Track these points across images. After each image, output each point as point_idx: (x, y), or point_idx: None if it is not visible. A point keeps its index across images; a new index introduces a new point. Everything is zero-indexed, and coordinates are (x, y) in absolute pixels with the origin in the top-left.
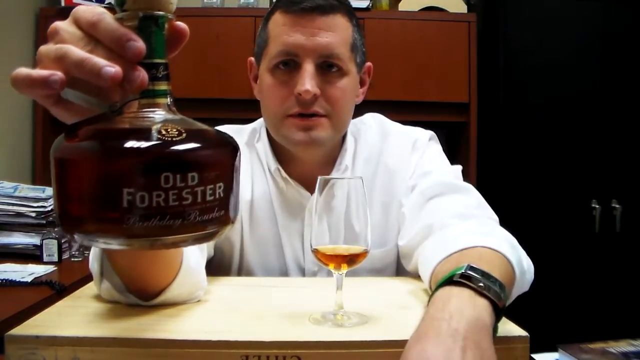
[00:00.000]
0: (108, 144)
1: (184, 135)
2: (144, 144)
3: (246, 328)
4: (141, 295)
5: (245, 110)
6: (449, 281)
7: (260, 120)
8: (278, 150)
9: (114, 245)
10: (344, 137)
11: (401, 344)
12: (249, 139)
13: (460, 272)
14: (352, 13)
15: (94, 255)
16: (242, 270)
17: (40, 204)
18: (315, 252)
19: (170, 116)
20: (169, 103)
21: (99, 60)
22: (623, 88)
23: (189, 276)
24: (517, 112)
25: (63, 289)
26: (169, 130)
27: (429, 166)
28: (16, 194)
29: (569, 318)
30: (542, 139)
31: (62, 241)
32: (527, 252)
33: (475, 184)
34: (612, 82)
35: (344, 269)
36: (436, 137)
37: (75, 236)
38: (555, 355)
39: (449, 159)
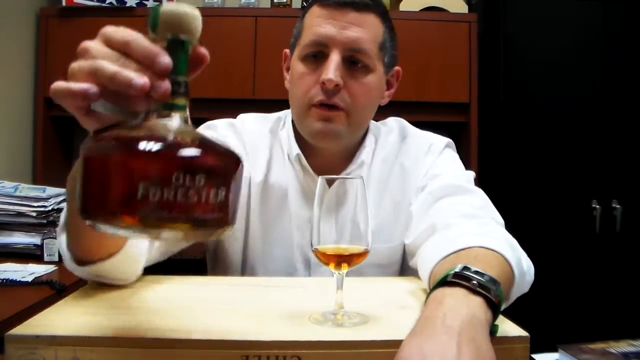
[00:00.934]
0: (129, 145)
1: (196, 142)
2: (160, 147)
3: (246, 328)
4: (77, 258)
5: (245, 110)
6: (443, 282)
7: (287, 111)
8: (300, 141)
9: (127, 233)
10: (364, 136)
11: (401, 344)
12: (273, 126)
13: (453, 272)
14: (386, 16)
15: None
16: (247, 249)
17: (41, 203)
18: (316, 251)
19: (185, 127)
20: (186, 116)
21: (130, 73)
22: (623, 88)
23: (123, 261)
24: (518, 112)
25: (63, 288)
26: (183, 137)
27: (441, 169)
28: (17, 193)
29: (569, 318)
30: (543, 139)
31: None
32: (527, 252)
33: (475, 184)
34: (613, 82)
35: (344, 268)
36: (454, 145)
37: (95, 224)
38: (555, 355)
39: None
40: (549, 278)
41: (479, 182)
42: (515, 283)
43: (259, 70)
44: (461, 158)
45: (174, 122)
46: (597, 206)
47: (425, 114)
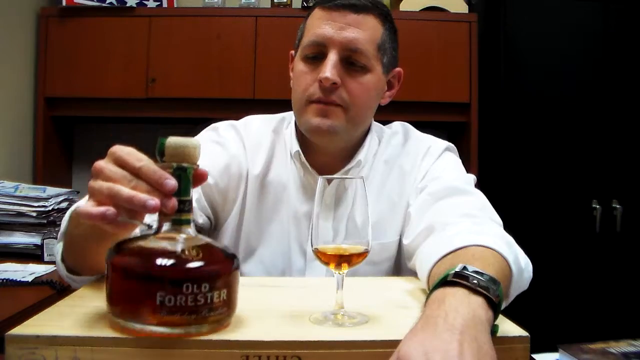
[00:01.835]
0: (148, 262)
1: (200, 255)
2: (172, 263)
3: (246, 328)
4: (69, 267)
5: (246, 110)
6: (444, 282)
7: (292, 112)
8: (302, 139)
9: (147, 329)
10: (365, 136)
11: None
12: (277, 126)
13: (453, 271)
14: (386, 18)
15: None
16: (240, 243)
17: (41, 203)
18: (316, 251)
19: (191, 238)
20: (191, 228)
21: (144, 196)
22: (623, 88)
23: None
24: (518, 112)
25: (64, 288)
26: (190, 251)
27: (441, 171)
28: (17, 193)
29: (569, 318)
30: (543, 139)
31: None
32: (527, 252)
33: (475, 184)
34: (613, 82)
35: (345, 268)
36: (455, 150)
37: (120, 320)
38: (555, 355)
39: None
40: (550, 278)
41: (479, 182)
42: (514, 280)
43: (259, 70)
44: (461, 158)
45: (182, 236)
46: (598, 206)
47: (425, 114)
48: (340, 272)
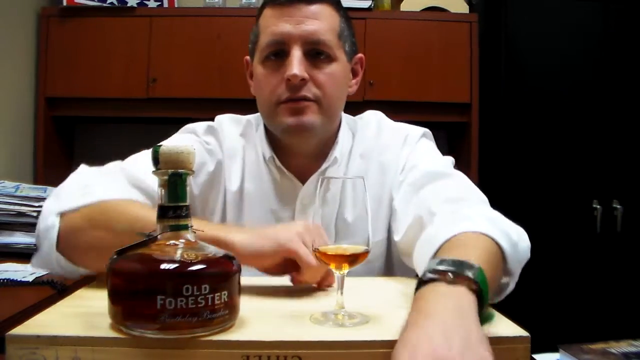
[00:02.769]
0: (149, 268)
1: (199, 258)
2: (171, 266)
3: (246, 328)
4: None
5: (246, 110)
6: (422, 281)
7: (257, 114)
8: (274, 143)
9: (148, 334)
10: (337, 132)
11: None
12: (244, 130)
13: (429, 269)
14: (339, 5)
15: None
16: None
17: (42, 203)
18: (317, 252)
19: (190, 243)
20: (189, 232)
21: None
22: (624, 88)
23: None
24: (519, 112)
25: (64, 288)
26: (189, 255)
27: (418, 159)
28: (17, 193)
29: (569, 318)
30: (544, 139)
31: None
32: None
33: (477, 184)
34: (613, 82)
35: (345, 268)
36: (430, 135)
37: (120, 325)
38: (556, 355)
39: None
40: (550, 278)
41: (480, 182)
42: (508, 255)
43: None
44: (462, 158)
45: (181, 240)
46: (598, 206)
47: (425, 114)
48: (341, 272)
